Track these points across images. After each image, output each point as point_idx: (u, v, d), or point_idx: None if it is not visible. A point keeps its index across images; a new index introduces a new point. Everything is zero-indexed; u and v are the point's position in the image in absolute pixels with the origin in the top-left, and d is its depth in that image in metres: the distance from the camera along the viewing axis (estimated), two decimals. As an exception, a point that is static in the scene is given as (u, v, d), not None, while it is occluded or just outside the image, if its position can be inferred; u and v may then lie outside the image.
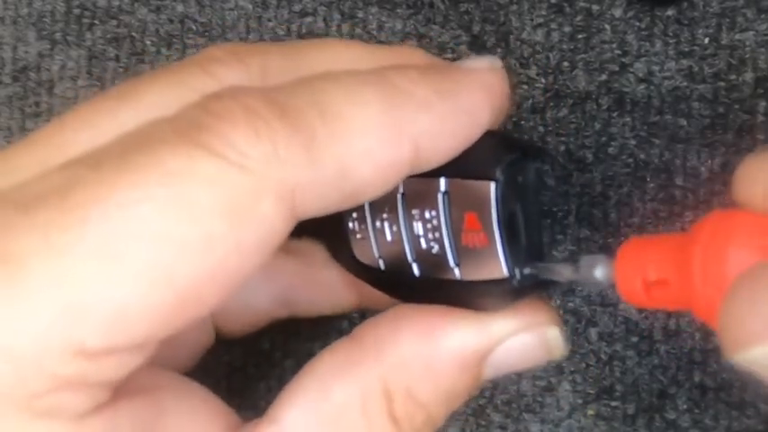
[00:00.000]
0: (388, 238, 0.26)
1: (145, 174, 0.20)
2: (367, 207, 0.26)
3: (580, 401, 0.32)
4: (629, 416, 0.32)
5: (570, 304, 0.32)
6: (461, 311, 0.24)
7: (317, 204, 0.22)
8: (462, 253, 0.24)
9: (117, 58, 0.34)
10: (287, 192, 0.21)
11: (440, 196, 0.24)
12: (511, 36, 0.33)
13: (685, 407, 0.31)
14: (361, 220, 0.26)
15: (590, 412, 0.32)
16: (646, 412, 0.31)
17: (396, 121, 0.22)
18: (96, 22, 0.34)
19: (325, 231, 0.28)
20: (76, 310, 0.20)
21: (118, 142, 0.22)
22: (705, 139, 0.31)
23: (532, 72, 0.32)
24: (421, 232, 0.25)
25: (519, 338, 0.24)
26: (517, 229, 0.24)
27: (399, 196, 0.25)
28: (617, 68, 0.32)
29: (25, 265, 0.20)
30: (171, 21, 0.34)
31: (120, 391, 0.22)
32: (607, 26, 0.32)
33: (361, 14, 0.33)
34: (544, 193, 0.26)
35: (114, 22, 0.34)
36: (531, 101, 0.32)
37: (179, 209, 0.20)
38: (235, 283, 0.21)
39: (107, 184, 0.20)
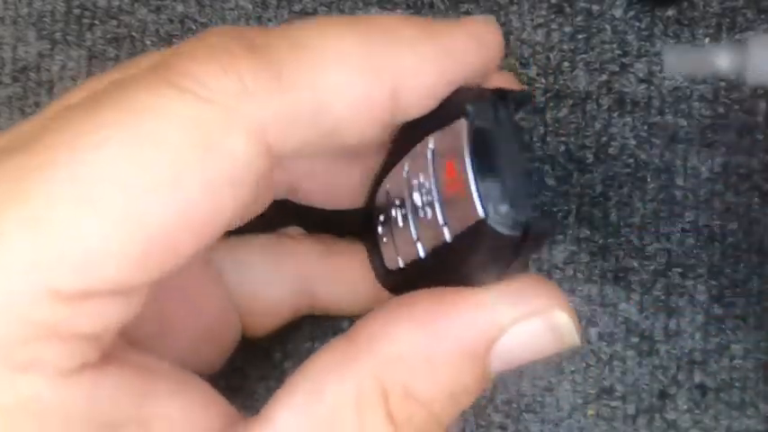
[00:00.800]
0: (401, 224, 0.25)
1: (112, 114, 0.20)
2: (389, 200, 0.25)
3: (580, 401, 0.32)
4: (629, 416, 0.32)
5: (570, 304, 0.32)
6: (461, 300, 0.22)
7: (293, 141, 0.21)
8: (447, 207, 0.23)
9: (117, 58, 0.34)
10: (257, 126, 0.21)
11: (429, 154, 0.23)
12: (511, 36, 0.33)
13: (685, 407, 0.31)
14: (386, 220, 0.26)
15: (590, 412, 0.32)
16: (646, 412, 0.31)
17: (374, 56, 0.21)
18: (96, 22, 0.34)
19: (367, 245, 0.27)
20: (48, 253, 0.20)
21: (89, 90, 0.21)
22: (705, 139, 0.31)
23: (532, 72, 0.32)
24: (419, 202, 0.24)
25: (526, 325, 0.22)
26: (495, 168, 0.22)
27: (404, 181, 0.25)
28: (617, 69, 0.32)
29: None
30: (171, 21, 0.34)
31: (110, 358, 0.22)
32: (607, 26, 0.32)
33: (360, 14, 0.33)
34: (527, 142, 0.24)
35: (114, 22, 0.34)
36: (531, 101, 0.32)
37: (146, 147, 0.20)
38: (211, 225, 0.21)
39: (75, 127, 0.20)
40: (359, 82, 0.21)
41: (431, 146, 0.23)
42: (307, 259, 0.28)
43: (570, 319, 0.23)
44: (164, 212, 0.20)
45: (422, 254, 0.24)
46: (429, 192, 0.23)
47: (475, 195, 0.21)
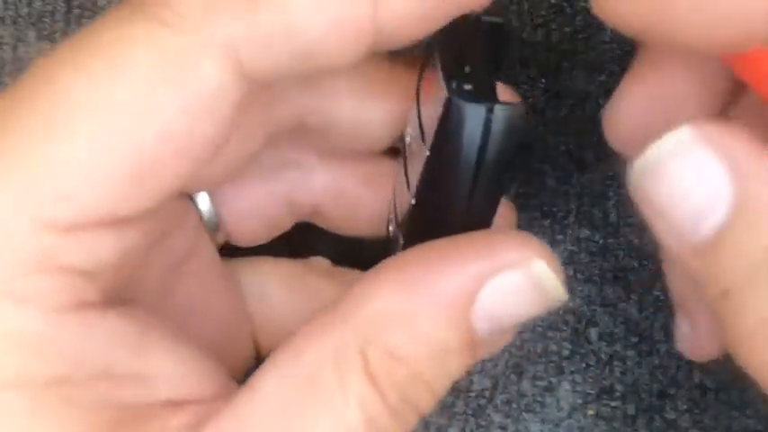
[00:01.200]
0: (398, 195, 0.25)
1: (83, 47, 0.21)
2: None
3: (580, 401, 0.32)
4: (629, 416, 0.32)
5: (570, 304, 0.32)
6: (440, 255, 0.22)
7: (267, 62, 0.21)
8: (425, 120, 0.23)
9: (117, 58, 0.34)
10: (228, 47, 0.21)
11: (415, 99, 0.24)
12: (511, 36, 0.33)
13: (685, 407, 0.31)
14: (393, 223, 0.26)
15: (590, 412, 0.32)
16: (646, 412, 0.31)
17: None
18: (96, 22, 0.34)
19: None
20: (36, 184, 0.20)
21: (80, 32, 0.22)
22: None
23: (532, 72, 0.32)
24: (409, 151, 0.24)
25: (504, 278, 0.22)
26: (461, 64, 0.22)
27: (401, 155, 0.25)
28: (617, 68, 0.32)
29: None
30: (171, 21, 0.34)
31: (111, 305, 0.22)
32: (607, 26, 0.32)
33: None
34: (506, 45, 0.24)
35: (114, 22, 0.34)
36: (530, 101, 0.32)
37: (120, 74, 0.21)
38: (192, 149, 0.21)
39: (54, 62, 0.21)
40: (332, 2, 0.21)
41: (415, 88, 0.24)
42: (324, 300, 0.27)
43: (551, 269, 0.22)
44: (144, 136, 0.21)
45: (413, 200, 0.24)
46: (415, 126, 0.24)
47: (441, 81, 0.22)
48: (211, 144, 0.22)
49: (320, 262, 0.30)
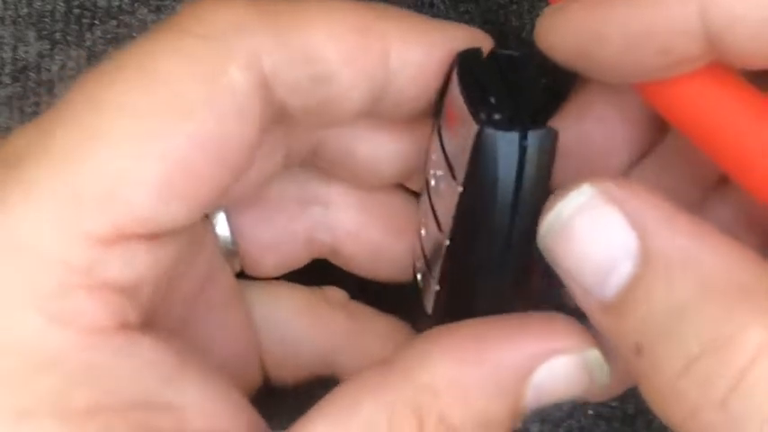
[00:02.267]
0: (424, 234, 0.25)
1: (119, 60, 0.22)
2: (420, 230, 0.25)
3: (580, 401, 0.32)
4: (629, 416, 0.32)
5: (570, 304, 0.32)
6: (495, 332, 0.22)
7: (287, 79, 0.22)
8: (453, 157, 0.23)
9: (117, 58, 0.34)
10: (253, 58, 0.22)
11: (435, 132, 0.24)
12: (511, 36, 0.33)
13: (685, 407, 0.31)
14: (420, 260, 0.25)
15: (590, 412, 0.32)
16: (646, 412, 0.31)
17: (362, 19, 0.23)
18: (96, 22, 0.34)
19: (407, 308, 0.28)
20: (76, 196, 0.20)
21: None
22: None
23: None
24: (436, 188, 0.24)
25: (559, 361, 0.22)
26: (484, 91, 0.23)
27: (425, 192, 0.25)
28: (617, 68, 0.32)
29: (25, 158, 0.20)
30: (171, 21, 0.34)
31: (149, 330, 0.22)
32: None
33: (361, 14, 0.33)
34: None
35: (114, 22, 0.34)
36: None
37: (153, 82, 0.21)
38: (224, 155, 0.22)
39: (93, 76, 0.22)
40: (347, 37, 0.22)
41: (436, 125, 0.24)
42: (333, 331, 0.28)
43: (601, 357, 0.23)
44: (179, 142, 0.21)
45: (447, 241, 0.24)
46: (439, 162, 0.23)
47: (467, 114, 0.22)
48: (242, 151, 0.22)
49: (336, 292, 0.30)
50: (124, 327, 0.21)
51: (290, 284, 0.29)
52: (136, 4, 0.34)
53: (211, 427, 0.22)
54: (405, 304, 0.28)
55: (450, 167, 0.23)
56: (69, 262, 0.20)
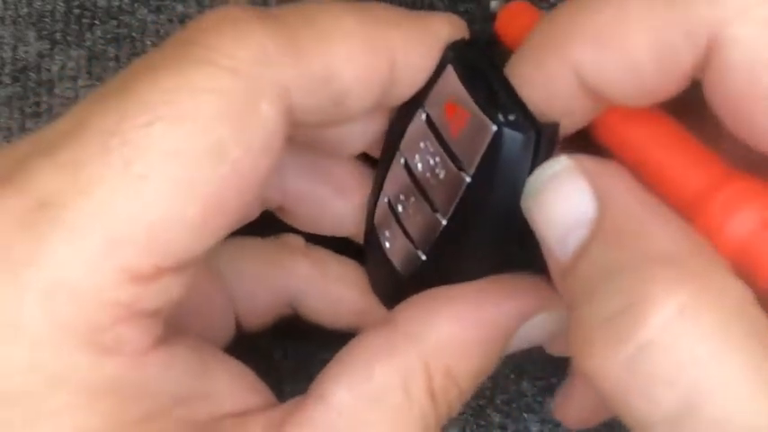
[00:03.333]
0: (411, 212, 0.26)
1: (147, 96, 0.22)
2: (386, 203, 0.27)
3: (580, 401, 0.32)
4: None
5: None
6: (489, 293, 0.25)
7: (310, 104, 0.23)
8: (457, 149, 0.24)
9: (117, 59, 0.34)
10: (281, 90, 0.23)
11: (423, 118, 0.25)
12: (511, 36, 0.33)
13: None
14: (394, 229, 0.27)
15: (590, 412, 0.32)
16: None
17: (371, 34, 0.24)
18: (96, 22, 0.34)
19: (370, 271, 0.30)
20: (118, 236, 0.21)
21: (117, 77, 0.23)
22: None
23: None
24: (428, 172, 0.25)
25: (541, 318, 0.25)
26: (490, 90, 0.24)
27: (403, 171, 0.26)
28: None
29: (62, 206, 0.21)
30: (171, 21, 0.34)
31: (172, 335, 0.23)
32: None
33: (361, 14, 0.33)
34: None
35: (114, 22, 0.34)
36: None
37: (186, 123, 0.21)
38: (251, 187, 0.23)
39: (116, 114, 0.22)
40: (361, 56, 0.24)
41: (422, 114, 0.25)
42: (298, 273, 0.30)
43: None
44: (212, 180, 0.22)
45: (443, 221, 0.25)
46: (435, 152, 0.25)
47: (481, 114, 0.23)
48: (266, 178, 0.23)
49: (294, 239, 0.31)
50: (159, 342, 0.23)
51: (251, 238, 0.31)
52: (136, 4, 0.34)
53: (238, 406, 0.24)
54: (350, 250, 0.30)
55: (453, 158, 0.24)
56: (113, 300, 0.21)
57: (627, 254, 0.21)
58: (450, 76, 0.24)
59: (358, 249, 0.30)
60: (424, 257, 0.26)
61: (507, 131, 0.23)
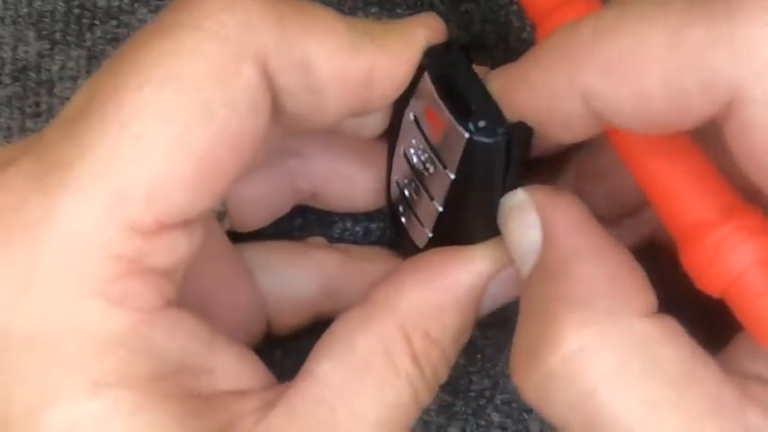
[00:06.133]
0: (416, 197, 0.28)
1: (140, 62, 0.23)
2: (396, 184, 0.29)
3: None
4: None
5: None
6: (455, 259, 0.27)
7: (287, 84, 0.24)
8: (440, 150, 0.26)
9: (117, 58, 0.34)
10: (261, 57, 0.24)
11: (411, 117, 0.27)
12: (511, 36, 0.33)
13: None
14: (405, 207, 0.29)
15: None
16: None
17: (352, 40, 0.25)
18: (96, 22, 0.34)
19: (400, 241, 0.31)
20: (120, 192, 0.23)
21: (117, 51, 0.24)
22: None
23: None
24: (421, 165, 0.28)
25: (508, 271, 0.27)
26: (462, 97, 0.25)
27: (404, 160, 0.28)
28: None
29: (68, 167, 0.23)
30: (171, 21, 0.34)
31: (183, 304, 0.25)
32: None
33: (361, 14, 0.34)
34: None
35: (114, 22, 0.34)
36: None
37: (175, 84, 0.23)
38: (242, 146, 0.24)
39: (113, 80, 0.23)
40: (340, 57, 0.25)
41: (410, 113, 0.27)
42: (328, 265, 0.32)
43: None
44: (205, 137, 0.23)
45: (440, 208, 0.27)
46: (424, 150, 0.27)
47: (456, 124, 0.25)
48: (256, 141, 0.24)
49: (318, 240, 0.33)
50: (169, 304, 0.24)
51: (279, 241, 0.32)
52: (136, 4, 0.34)
53: (239, 385, 0.25)
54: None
55: (438, 157, 0.27)
56: (121, 253, 0.23)
57: (550, 290, 0.24)
58: (427, 84, 0.26)
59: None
60: (430, 235, 0.29)
61: (478, 139, 0.25)
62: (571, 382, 0.23)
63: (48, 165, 0.23)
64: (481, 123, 0.25)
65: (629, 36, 0.22)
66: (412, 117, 0.27)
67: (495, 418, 0.32)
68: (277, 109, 0.25)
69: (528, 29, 0.33)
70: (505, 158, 0.25)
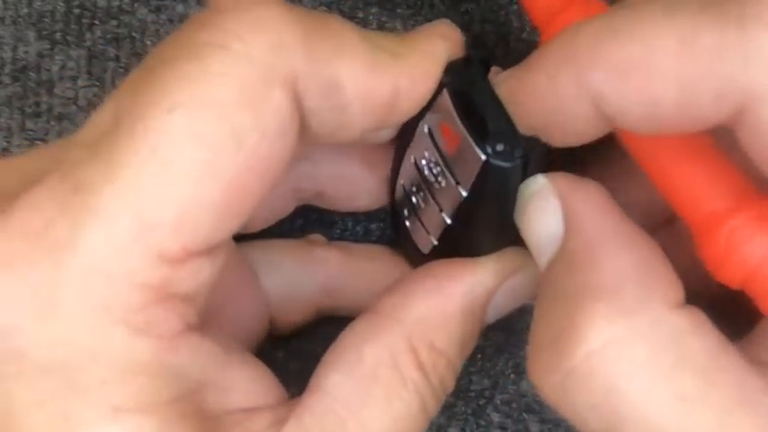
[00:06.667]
0: (423, 206, 0.29)
1: (168, 83, 0.23)
2: (403, 188, 0.29)
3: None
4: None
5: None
6: (460, 270, 0.27)
7: (313, 106, 0.24)
8: (455, 167, 0.26)
9: (117, 58, 0.34)
10: (290, 79, 0.23)
11: (425, 130, 0.27)
12: (511, 36, 0.33)
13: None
14: (410, 211, 0.29)
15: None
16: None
17: (379, 59, 0.25)
18: (96, 22, 0.34)
19: (401, 241, 0.31)
20: (147, 219, 0.22)
21: (143, 65, 0.24)
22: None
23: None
24: (432, 177, 0.27)
25: (512, 281, 0.27)
26: (481, 117, 0.25)
27: (414, 168, 0.28)
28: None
29: (95, 191, 0.22)
30: (171, 21, 0.34)
31: (201, 327, 0.24)
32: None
33: (361, 14, 0.33)
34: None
35: (114, 22, 0.34)
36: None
37: (204, 109, 0.23)
38: (270, 171, 0.24)
39: (142, 103, 0.23)
40: (366, 76, 0.25)
41: (425, 126, 0.27)
42: (330, 262, 0.32)
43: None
44: (234, 164, 0.23)
45: (449, 221, 0.27)
46: (437, 163, 0.27)
47: (473, 144, 0.25)
48: (283, 165, 0.24)
49: (318, 237, 0.33)
50: (189, 329, 0.24)
51: (280, 239, 0.32)
52: (136, 4, 0.34)
53: (251, 402, 0.25)
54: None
55: (452, 173, 0.26)
56: (146, 281, 0.23)
57: (573, 280, 0.23)
58: (446, 100, 0.26)
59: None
60: (436, 243, 0.29)
61: (495, 163, 0.25)
62: (596, 378, 0.22)
63: (74, 186, 0.23)
64: (499, 147, 0.25)
65: (638, 40, 0.22)
66: (426, 130, 0.27)
67: (495, 418, 0.32)
68: (302, 128, 0.25)
69: (528, 29, 0.33)
70: (521, 178, 0.25)
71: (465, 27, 0.33)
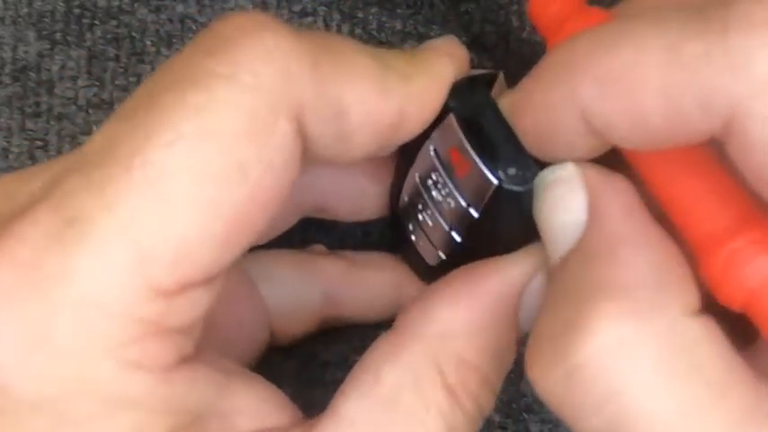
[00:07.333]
0: (431, 223, 0.28)
1: (172, 114, 0.22)
2: (412, 207, 0.29)
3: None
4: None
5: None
6: (483, 273, 0.25)
7: (317, 134, 0.24)
8: (465, 189, 0.26)
9: (117, 58, 0.34)
10: (297, 108, 0.23)
11: (432, 153, 0.27)
12: (511, 36, 0.33)
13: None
14: (415, 225, 0.29)
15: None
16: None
17: (386, 82, 0.24)
18: (96, 22, 0.34)
19: (403, 249, 0.31)
20: (144, 252, 0.21)
21: (145, 86, 0.23)
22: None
23: (532, 72, 0.32)
24: (440, 198, 0.27)
25: (538, 278, 0.25)
26: (490, 141, 0.25)
27: (419, 186, 0.28)
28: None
29: (90, 223, 0.21)
30: (171, 21, 0.34)
31: (197, 355, 0.24)
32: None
33: (361, 14, 0.33)
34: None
35: (114, 22, 0.34)
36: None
37: (208, 141, 0.22)
38: (273, 203, 0.23)
39: (142, 132, 0.22)
40: (373, 99, 0.24)
41: (431, 147, 0.27)
42: (332, 273, 0.31)
43: None
44: (235, 198, 0.22)
45: (458, 239, 0.27)
46: (444, 185, 0.27)
47: (485, 169, 0.25)
48: (287, 191, 0.23)
49: (320, 247, 0.32)
50: (185, 360, 0.23)
51: (279, 250, 0.31)
52: (136, 4, 0.34)
53: (257, 425, 0.24)
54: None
55: (462, 195, 0.26)
56: (140, 315, 0.22)
57: (589, 275, 0.22)
58: (453, 125, 0.26)
59: None
60: (444, 257, 0.28)
61: (508, 187, 0.25)
62: (600, 378, 0.21)
63: (67, 217, 0.22)
64: (511, 171, 0.25)
65: (625, 51, 0.21)
66: (432, 151, 0.27)
67: (495, 418, 0.32)
68: (305, 154, 0.24)
69: (528, 29, 0.33)
70: (533, 204, 0.25)
71: (465, 27, 0.33)
